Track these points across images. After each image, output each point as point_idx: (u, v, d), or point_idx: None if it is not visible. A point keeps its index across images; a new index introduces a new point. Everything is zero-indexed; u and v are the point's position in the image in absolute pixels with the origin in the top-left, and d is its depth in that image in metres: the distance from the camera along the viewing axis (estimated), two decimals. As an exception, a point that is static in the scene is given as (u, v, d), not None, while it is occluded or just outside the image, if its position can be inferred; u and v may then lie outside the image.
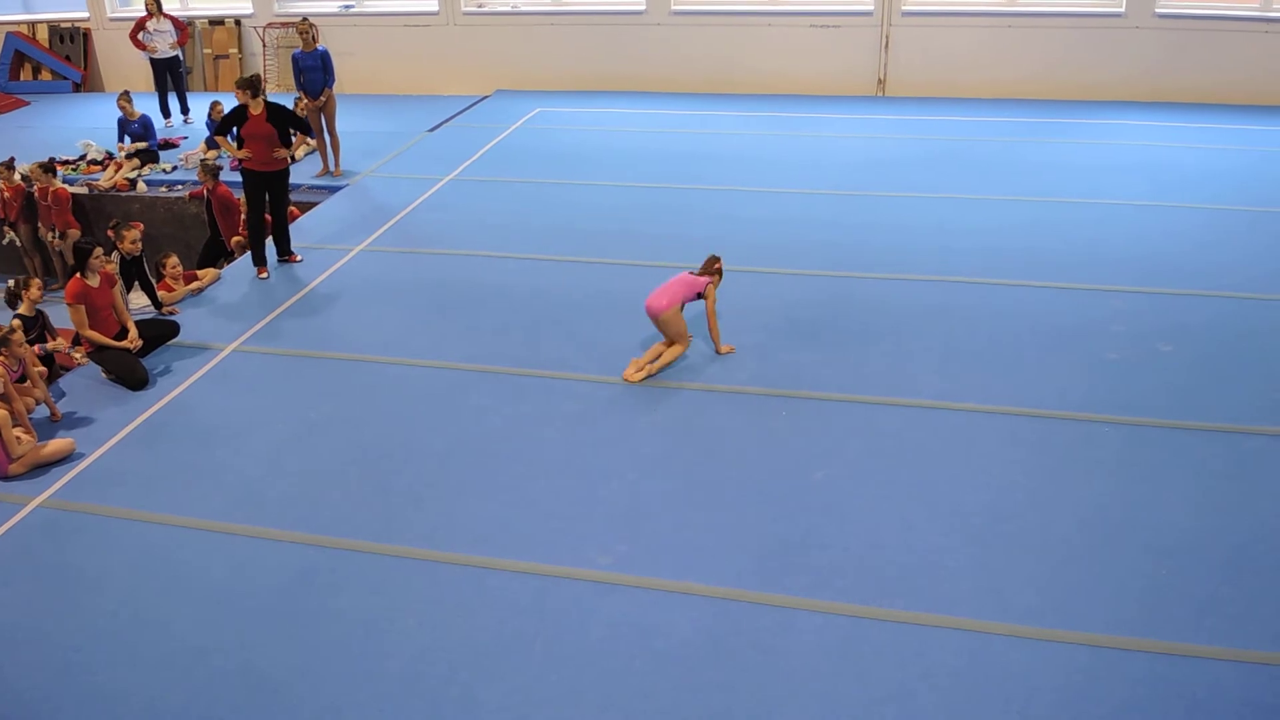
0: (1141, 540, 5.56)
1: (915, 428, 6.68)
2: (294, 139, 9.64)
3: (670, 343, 7.46)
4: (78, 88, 17.20)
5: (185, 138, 14.18)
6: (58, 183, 11.41)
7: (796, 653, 4.90)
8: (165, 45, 14.41)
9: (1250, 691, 4.58)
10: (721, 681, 4.75)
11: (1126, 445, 6.43)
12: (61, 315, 7.82)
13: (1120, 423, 6.64)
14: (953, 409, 6.85)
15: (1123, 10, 13.98)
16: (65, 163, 13.00)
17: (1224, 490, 5.97)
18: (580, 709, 4.63)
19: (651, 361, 7.36)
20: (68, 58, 17.20)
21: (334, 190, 11.83)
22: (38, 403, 7.13)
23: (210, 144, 12.71)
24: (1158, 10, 13.86)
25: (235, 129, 9.43)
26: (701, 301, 7.49)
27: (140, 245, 8.56)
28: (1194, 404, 6.83)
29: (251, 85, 9.23)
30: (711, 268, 7.54)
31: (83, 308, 7.42)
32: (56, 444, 6.65)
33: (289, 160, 9.54)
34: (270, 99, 9.39)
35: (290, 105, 13.36)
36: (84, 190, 12.31)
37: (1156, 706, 4.52)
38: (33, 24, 17.24)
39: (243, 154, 9.22)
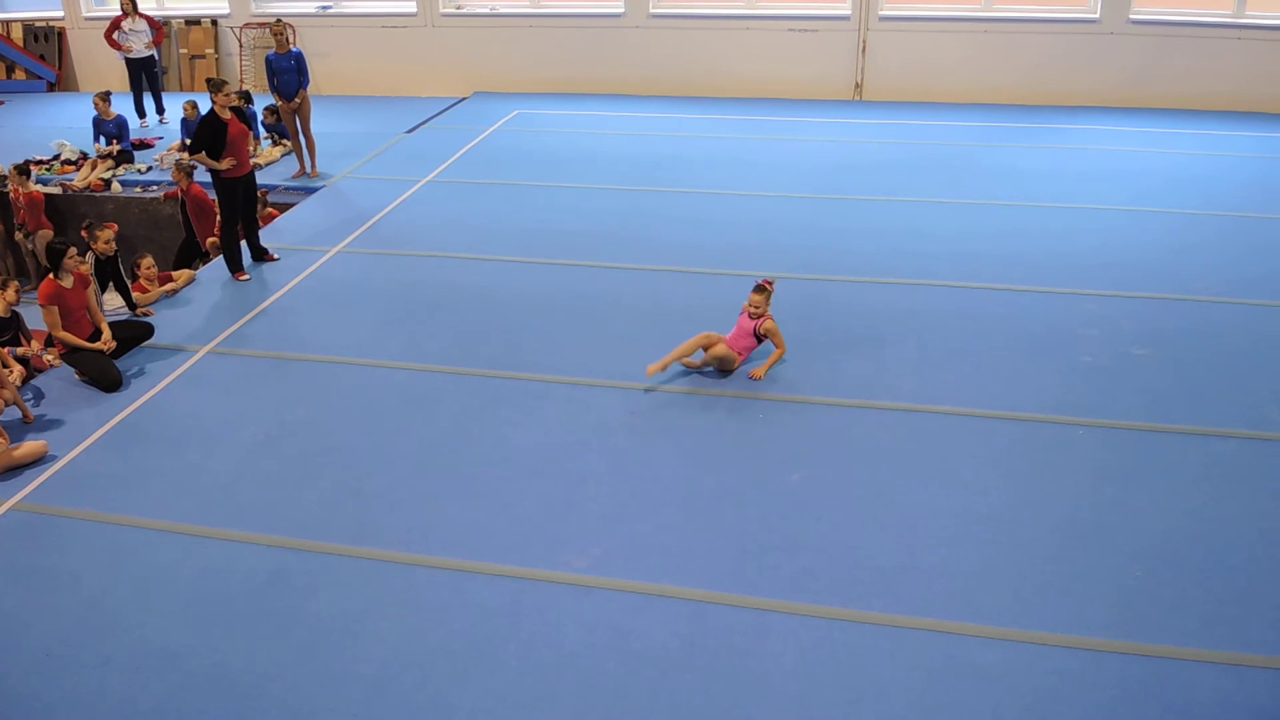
0: (1116, 543, 5.60)
1: (891, 431, 6.71)
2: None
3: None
4: (52, 87, 17.06)
5: (160, 138, 14.09)
6: (31, 185, 11.31)
7: (773, 655, 4.91)
8: (140, 45, 14.32)
9: (1224, 693, 4.62)
10: (697, 684, 4.75)
11: (1101, 448, 6.47)
12: (36, 316, 7.74)
13: (1095, 426, 6.69)
14: (928, 412, 6.89)
15: (1097, 16, 14.10)
16: (39, 162, 12.89)
17: (1198, 493, 6.02)
18: (555, 713, 4.62)
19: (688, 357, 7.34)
20: (42, 57, 17.05)
21: (310, 192, 11.77)
22: (8, 404, 7.05)
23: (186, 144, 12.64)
24: (1132, 16, 13.98)
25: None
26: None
27: (114, 246, 8.47)
28: (1168, 408, 6.88)
29: (225, 86, 9.04)
30: (760, 301, 7.36)
31: (56, 309, 7.34)
32: (29, 446, 6.58)
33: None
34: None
35: (264, 107, 13.39)
36: (58, 190, 12.20)
37: (1131, 708, 4.55)
38: (7, 23, 17.09)
39: (227, 163, 9.01)
